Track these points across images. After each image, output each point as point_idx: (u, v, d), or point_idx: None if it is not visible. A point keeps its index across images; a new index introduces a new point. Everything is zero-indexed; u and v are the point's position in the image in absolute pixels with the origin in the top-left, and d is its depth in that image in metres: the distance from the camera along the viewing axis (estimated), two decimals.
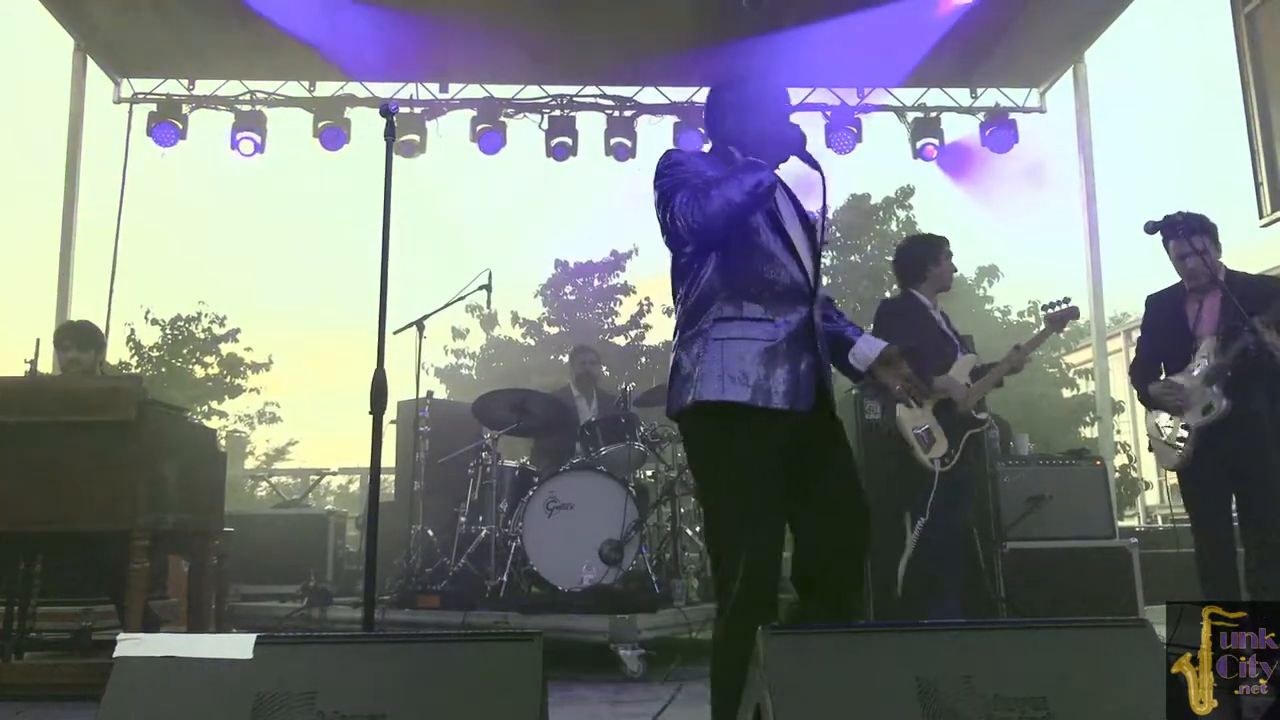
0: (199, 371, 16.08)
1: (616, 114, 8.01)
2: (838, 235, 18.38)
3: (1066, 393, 17.90)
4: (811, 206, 2.58)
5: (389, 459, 6.46)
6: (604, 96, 8.03)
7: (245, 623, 5.08)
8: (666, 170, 2.40)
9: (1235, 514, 3.94)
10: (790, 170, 2.47)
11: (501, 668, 1.68)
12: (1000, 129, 8.04)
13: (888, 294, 13.57)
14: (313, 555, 6.17)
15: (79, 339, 4.59)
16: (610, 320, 18.17)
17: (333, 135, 7.79)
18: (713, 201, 2.25)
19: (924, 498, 4.03)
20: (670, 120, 8.04)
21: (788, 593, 2.46)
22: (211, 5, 6.78)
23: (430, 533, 5.60)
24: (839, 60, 7.40)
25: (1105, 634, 1.72)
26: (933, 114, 8.15)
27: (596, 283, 18.38)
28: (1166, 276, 4.19)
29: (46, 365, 4.92)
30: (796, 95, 7.89)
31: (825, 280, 3.00)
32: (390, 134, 3.14)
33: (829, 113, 8.03)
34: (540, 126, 7.96)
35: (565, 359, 9.39)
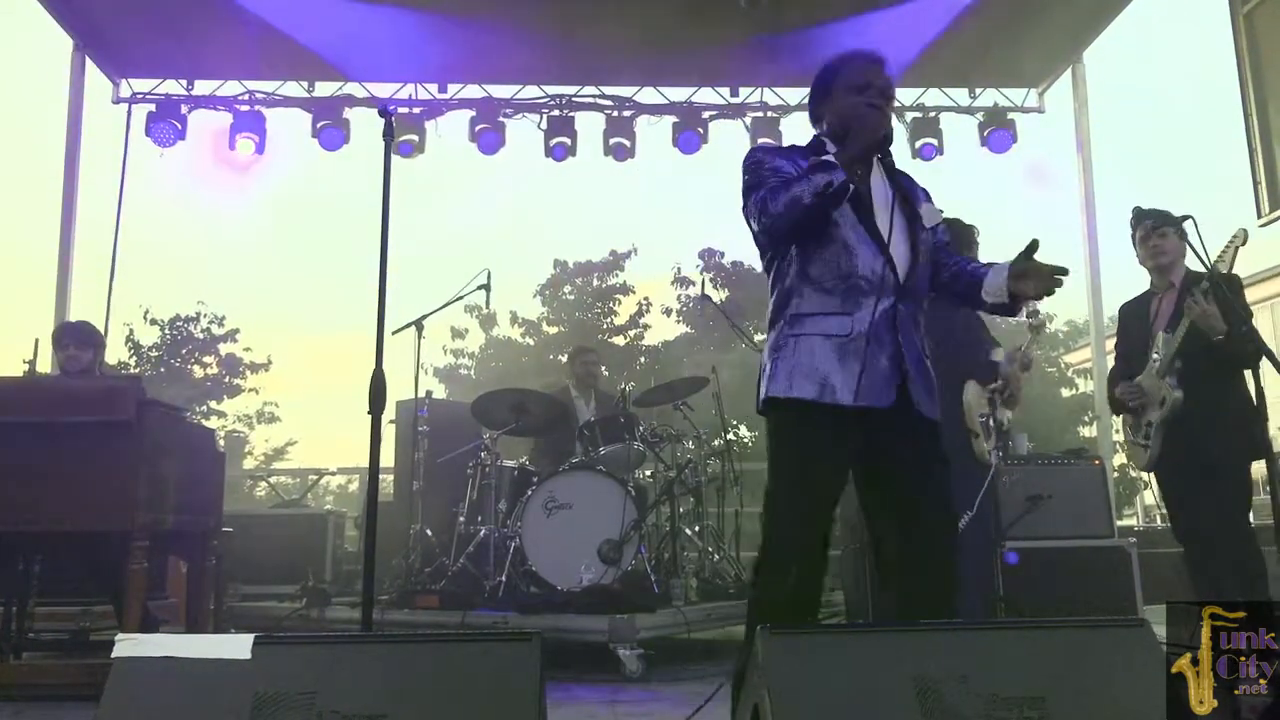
0: (198, 371, 16.08)
1: (615, 114, 7.99)
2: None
3: (1065, 392, 17.85)
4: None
5: (388, 459, 6.46)
6: (603, 96, 8.01)
7: (244, 623, 5.06)
8: (745, 171, 2.42)
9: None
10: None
11: (500, 668, 1.68)
12: (999, 129, 8.04)
13: None
14: (311, 555, 6.15)
15: (78, 338, 4.58)
16: (609, 320, 18.13)
17: (331, 135, 7.76)
18: (780, 203, 2.26)
19: (973, 492, 3.82)
20: (669, 120, 8.01)
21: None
22: (211, 5, 6.76)
23: (429, 533, 5.60)
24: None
25: (1104, 634, 1.72)
26: (931, 114, 8.13)
27: (595, 283, 18.33)
28: None
29: (45, 365, 4.92)
30: (795, 95, 7.89)
31: None
32: (389, 134, 3.13)
33: None
34: (539, 126, 7.94)
35: (564, 359, 9.36)
